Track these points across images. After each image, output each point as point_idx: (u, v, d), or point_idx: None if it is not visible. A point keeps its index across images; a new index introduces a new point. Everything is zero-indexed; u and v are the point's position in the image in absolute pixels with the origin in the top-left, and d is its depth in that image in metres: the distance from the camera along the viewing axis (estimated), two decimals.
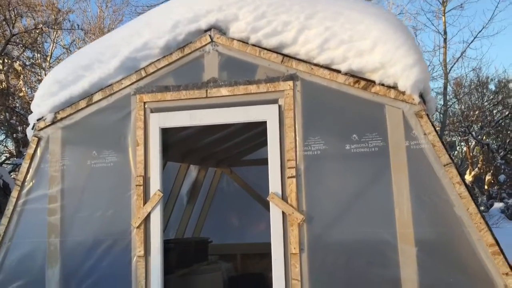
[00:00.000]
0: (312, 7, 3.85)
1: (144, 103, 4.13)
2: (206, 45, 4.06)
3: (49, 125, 4.31)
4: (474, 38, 20.48)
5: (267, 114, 3.87)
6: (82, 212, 4.17)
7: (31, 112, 4.45)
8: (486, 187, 22.70)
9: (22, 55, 16.38)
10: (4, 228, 4.29)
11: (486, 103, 23.69)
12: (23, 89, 16.28)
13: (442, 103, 19.55)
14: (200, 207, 7.60)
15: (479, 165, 22.72)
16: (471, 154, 23.73)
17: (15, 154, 16.57)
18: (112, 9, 23.91)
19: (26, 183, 4.32)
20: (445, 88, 19.57)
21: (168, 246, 5.72)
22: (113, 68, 4.17)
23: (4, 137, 18.19)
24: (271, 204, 3.78)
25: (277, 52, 3.86)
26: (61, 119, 4.30)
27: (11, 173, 14.21)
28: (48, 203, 4.23)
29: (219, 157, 7.54)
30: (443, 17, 19.25)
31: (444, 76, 19.40)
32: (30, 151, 4.34)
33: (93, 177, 4.20)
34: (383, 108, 3.60)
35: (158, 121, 4.09)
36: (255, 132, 6.51)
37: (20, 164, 5.25)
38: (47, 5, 15.64)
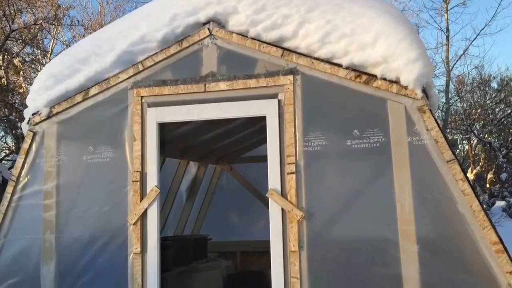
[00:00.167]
0: (313, 0, 3.77)
1: (141, 97, 4.06)
2: (204, 38, 3.98)
3: (44, 120, 4.24)
4: (477, 35, 20.38)
5: (267, 109, 3.79)
6: (78, 208, 4.11)
7: (27, 106, 4.38)
8: (487, 185, 22.63)
9: (22, 51, 16.31)
10: None
11: (488, 101, 23.59)
12: (23, 85, 16.22)
13: (444, 101, 19.46)
14: (200, 204, 7.54)
15: (481, 163, 22.62)
16: (473, 152, 23.63)
17: (14, 150, 16.53)
18: (113, 6, 23.86)
19: (21, 179, 4.25)
20: (447, 86, 19.50)
21: (166, 243, 5.69)
22: (110, 61, 4.10)
23: (4, 133, 18.16)
24: (270, 200, 3.70)
25: (277, 46, 3.79)
26: (57, 113, 4.23)
27: (11, 170, 14.15)
28: (43, 199, 4.16)
29: (219, 154, 7.47)
30: (445, 15, 19.16)
31: (447, 74, 19.32)
32: (25, 146, 4.27)
33: (89, 173, 4.13)
34: (385, 103, 3.53)
35: (156, 116, 4.02)
36: (256, 129, 6.44)
37: None
38: (47, 1, 15.56)
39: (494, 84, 24.40)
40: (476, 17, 42.76)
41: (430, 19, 37.06)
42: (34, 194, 4.20)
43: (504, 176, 21.65)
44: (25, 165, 4.26)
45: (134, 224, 3.93)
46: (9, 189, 4.24)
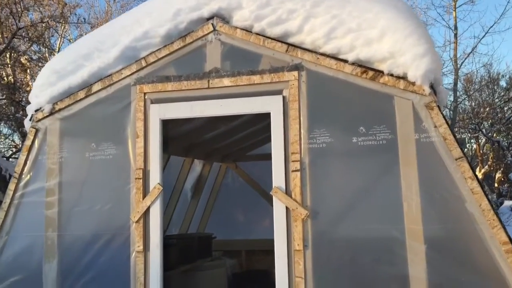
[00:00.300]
0: None
1: (144, 93, 4.01)
2: (208, 34, 3.93)
3: (47, 116, 4.20)
4: (486, 33, 20.16)
5: (271, 105, 3.73)
6: (80, 206, 4.06)
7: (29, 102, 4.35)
8: (496, 185, 22.42)
9: (29, 49, 16.35)
10: (1, 222, 4.19)
11: (497, 100, 23.36)
12: (30, 83, 16.24)
13: (452, 100, 19.31)
14: (205, 202, 7.49)
15: (489, 162, 22.43)
16: (481, 151, 23.44)
17: (21, 148, 16.54)
18: (119, 4, 23.83)
19: (23, 176, 4.22)
20: (455, 84, 19.34)
21: (171, 242, 5.64)
22: (113, 57, 4.06)
23: (11, 131, 18.22)
24: (274, 198, 3.64)
25: (281, 41, 3.72)
26: (59, 110, 4.19)
27: None
28: (45, 196, 4.13)
29: (224, 152, 7.42)
30: (453, 12, 19.00)
31: (455, 72, 19.16)
32: (27, 142, 4.24)
33: (91, 170, 4.09)
34: (391, 100, 3.46)
35: (159, 113, 3.97)
36: (261, 126, 6.37)
37: None
38: None
39: (503, 83, 24.17)
40: (485, 14, 42.41)
41: (438, 16, 36.88)
42: (36, 192, 4.17)
43: None
44: (28, 162, 4.23)
45: (137, 222, 3.88)
46: (11, 186, 4.21)
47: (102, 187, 4.04)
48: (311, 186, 3.56)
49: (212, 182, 7.58)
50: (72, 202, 4.08)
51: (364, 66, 3.51)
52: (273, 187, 3.64)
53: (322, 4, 3.67)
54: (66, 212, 4.08)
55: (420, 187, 3.34)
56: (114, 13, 23.09)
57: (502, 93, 23.55)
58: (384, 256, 3.39)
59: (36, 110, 4.26)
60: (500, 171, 22.21)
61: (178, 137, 5.84)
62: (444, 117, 3.37)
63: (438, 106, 3.39)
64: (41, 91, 4.25)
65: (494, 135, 22.56)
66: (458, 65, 19.32)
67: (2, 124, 16.46)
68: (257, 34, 3.78)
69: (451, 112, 19.40)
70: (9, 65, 15.44)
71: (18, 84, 15.27)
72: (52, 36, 18.47)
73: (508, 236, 3.14)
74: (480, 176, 20.86)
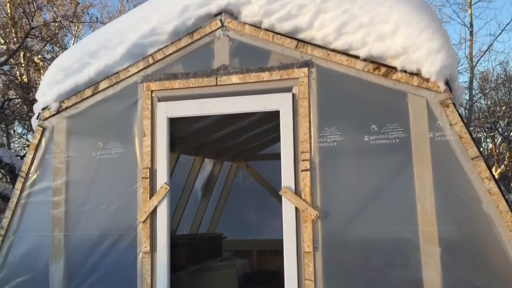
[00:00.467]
0: None
1: (152, 91, 3.93)
2: (216, 30, 3.84)
3: (54, 115, 4.16)
4: (502, 31, 19.97)
5: (280, 103, 3.64)
6: (86, 206, 4.01)
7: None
8: None
9: (43, 49, 16.43)
10: (8, 221, 4.15)
11: None
12: None
13: (468, 98, 19.02)
14: (215, 202, 7.42)
15: (505, 162, 22.07)
16: (497, 151, 23.07)
17: None
18: (133, 4, 23.87)
19: (30, 175, 4.17)
20: (471, 82, 19.07)
21: (180, 242, 5.58)
22: (120, 55, 3.99)
23: (26, 131, 18.34)
24: (283, 199, 3.55)
25: (291, 37, 3.63)
26: (66, 108, 4.14)
27: None
28: (52, 196, 4.08)
29: (235, 151, 7.33)
30: (469, 9, 18.73)
31: (470, 70, 18.89)
32: (34, 141, 4.20)
33: (98, 169, 4.03)
34: (405, 97, 3.35)
35: (166, 111, 3.89)
36: (273, 125, 6.27)
37: None
38: None
39: None
40: (501, 12, 41.70)
41: (453, 14, 36.42)
42: (43, 191, 4.12)
43: None
44: (34, 161, 4.18)
45: (144, 222, 3.81)
46: (18, 185, 4.17)
47: (109, 187, 3.98)
48: (321, 186, 3.46)
49: (223, 182, 7.52)
50: (78, 201, 4.03)
51: (376, 62, 3.40)
52: (282, 187, 3.54)
53: None
54: (72, 211, 4.03)
55: (434, 188, 3.23)
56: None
57: None
58: (397, 259, 3.28)
59: (43, 109, 4.21)
60: None
61: (188, 136, 5.77)
62: (460, 115, 3.25)
63: (454, 104, 3.27)
64: (48, 89, 4.20)
65: (511, 134, 22.19)
66: (474, 63, 19.04)
67: (16, 123, 16.56)
68: (266, 30, 3.69)
69: (466, 111, 19.12)
70: (23, 65, 15.53)
71: (31, 83, 15.34)
72: (66, 36, 18.55)
73: None
74: (496, 176, 20.53)
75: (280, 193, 3.56)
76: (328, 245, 3.42)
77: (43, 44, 15.99)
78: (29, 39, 14.76)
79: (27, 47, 15.11)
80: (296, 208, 3.50)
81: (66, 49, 18.54)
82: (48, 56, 16.65)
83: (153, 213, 3.83)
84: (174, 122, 4.03)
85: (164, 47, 3.93)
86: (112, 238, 3.91)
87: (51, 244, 4.03)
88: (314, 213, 3.43)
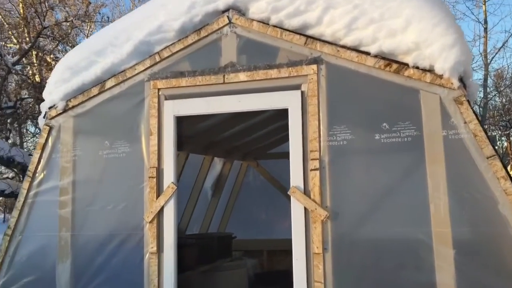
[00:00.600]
0: None
1: (158, 89, 3.88)
2: (223, 26, 3.78)
3: (60, 114, 4.12)
4: None
5: (289, 101, 3.56)
6: (93, 205, 3.97)
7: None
8: None
9: (55, 48, 16.50)
10: (15, 221, 4.12)
11: None
12: None
13: (482, 96, 18.74)
14: (225, 201, 7.36)
15: None
16: None
17: None
18: (144, 3, 23.91)
19: (37, 174, 4.15)
20: (486, 80, 18.76)
21: (190, 242, 5.53)
22: (126, 52, 3.95)
23: (39, 130, 18.46)
24: (292, 199, 3.47)
25: (300, 34, 3.56)
26: (73, 107, 4.10)
27: None
28: (59, 195, 4.05)
29: (244, 150, 7.26)
30: (483, 6, 18.43)
31: (485, 68, 18.60)
32: (41, 140, 4.17)
33: (105, 169, 3.99)
34: (417, 94, 3.26)
35: (173, 109, 3.84)
36: (283, 123, 6.18)
37: None
38: None
39: None
40: None
41: (467, 10, 36.02)
42: (50, 190, 4.09)
43: None
44: (41, 160, 4.15)
45: (150, 222, 3.76)
46: (25, 185, 4.14)
47: (115, 186, 3.94)
48: (331, 185, 3.38)
49: (233, 181, 7.45)
50: (85, 201, 3.99)
51: (387, 59, 3.32)
52: (290, 186, 3.47)
53: None
54: (79, 211, 3.99)
55: (448, 187, 3.13)
56: None
57: None
58: (409, 261, 3.19)
59: (50, 108, 4.18)
60: None
61: (197, 135, 5.71)
62: (474, 112, 3.15)
63: (468, 101, 3.16)
64: (55, 88, 4.17)
65: None
66: (488, 60, 18.74)
67: (28, 122, 16.65)
68: (274, 26, 3.61)
69: (481, 108, 18.83)
70: (36, 64, 15.60)
71: (44, 83, 15.42)
72: (78, 35, 18.63)
73: None
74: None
75: (288, 193, 3.49)
76: (338, 246, 3.34)
77: (55, 43, 16.05)
78: (41, 39, 14.82)
79: (39, 47, 15.17)
80: (305, 209, 3.43)
81: None
82: (60, 56, 16.72)
83: (160, 213, 3.77)
84: (181, 121, 3.97)
85: (171, 44, 3.88)
86: (119, 239, 3.87)
87: (58, 244, 4.00)
88: (323, 213, 3.35)
